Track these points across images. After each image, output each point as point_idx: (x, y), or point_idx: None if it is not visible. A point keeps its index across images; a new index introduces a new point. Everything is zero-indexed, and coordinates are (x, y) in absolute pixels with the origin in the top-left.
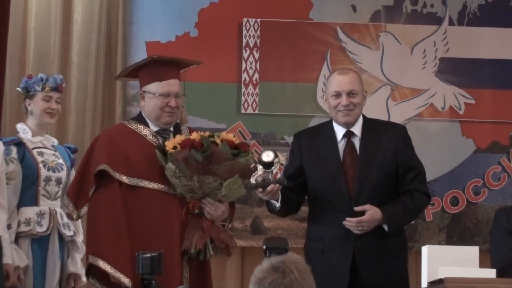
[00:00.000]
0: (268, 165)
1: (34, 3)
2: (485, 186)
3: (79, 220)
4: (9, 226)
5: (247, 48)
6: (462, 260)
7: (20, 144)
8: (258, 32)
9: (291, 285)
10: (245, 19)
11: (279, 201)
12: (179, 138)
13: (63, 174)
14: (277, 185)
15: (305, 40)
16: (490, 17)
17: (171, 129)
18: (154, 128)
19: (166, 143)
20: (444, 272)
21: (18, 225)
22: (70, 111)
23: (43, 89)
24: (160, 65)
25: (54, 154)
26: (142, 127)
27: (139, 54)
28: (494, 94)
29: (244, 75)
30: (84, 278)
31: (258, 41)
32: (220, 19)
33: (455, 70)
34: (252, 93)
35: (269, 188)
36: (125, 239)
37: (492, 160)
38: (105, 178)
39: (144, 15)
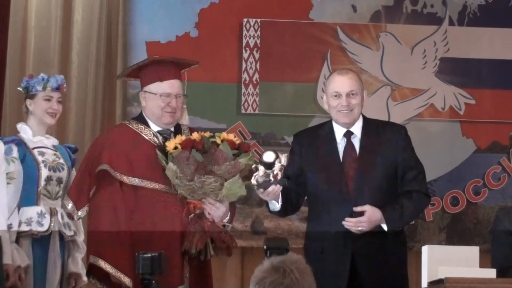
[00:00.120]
0: (269, 166)
1: (34, 3)
2: (485, 186)
3: (80, 220)
4: (10, 226)
5: (247, 48)
6: (462, 260)
7: (20, 144)
8: (258, 32)
9: (291, 285)
10: (245, 19)
11: (279, 201)
12: (179, 138)
13: (63, 174)
14: (278, 185)
15: (305, 40)
16: (490, 17)
17: (172, 129)
18: (155, 128)
19: (167, 143)
20: (444, 272)
21: (19, 224)
22: (70, 111)
23: (44, 89)
24: (161, 66)
25: (54, 154)
26: (143, 127)
27: (139, 54)
28: (494, 94)
29: (244, 75)
30: (85, 278)
31: (258, 41)
32: (220, 19)
33: (455, 70)
34: (252, 93)
35: (270, 189)
36: (126, 239)
37: (492, 160)
38: (106, 178)
39: (144, 15)
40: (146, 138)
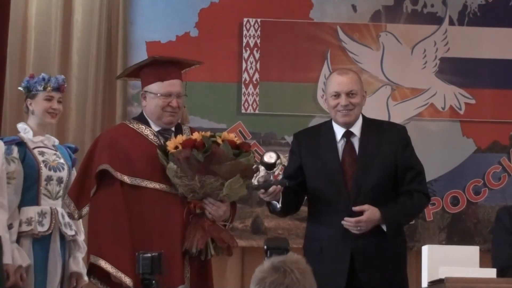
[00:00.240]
0: (270, 166)
1: (34, 3)
2: (486, 186)
3: (80, 219)
4: (10, 226)
5: (247, 48)
6: (462, 260)
7: (21, 144)
8: (259, 32)
9: (292, 285)
10: (245, 19)
11: (280, 201)
12: (180, 138)
13: (64, 174)
14: (279, 186)
15: (305, 40)
16: (490, 17)
17: (173, 129)
18: (156, 128)
19: (168, 143)
20: (444, 272)
21: (20, 224)
22: (71, 111)
23: (45, 89)
24: (161, 65)
25: (55, 154)
26: (144, 127)
27: (140, 54)
28: (495, 94)
29: (245, 75)
30: (85, 278)
31: (258, 41)
32: (221, 19)
33: (456, 70)
34: (252, 93)
35: (271, 189)
36: (127, 239)
37: (492, 160)
38: (107, 178)
39: (145, 15)
40: (147, 138)
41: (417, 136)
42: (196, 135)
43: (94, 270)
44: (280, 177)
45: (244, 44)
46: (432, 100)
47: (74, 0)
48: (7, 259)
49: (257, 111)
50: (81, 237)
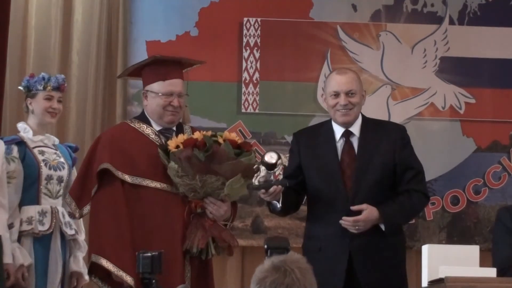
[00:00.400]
0: (271, 167)
1: (34, 3)
2: (486, 186)
3: (81, 219)
4: (11, 225)
5: (247, 47)
6: (462, 259)
7: (21, 143)
8: (259, 32)
9: (292, 285)
10: (245, 19)
11: (280, 201)
12: (181, 137)
13: (64, 173)
14: (279, 186)
15: (305, 39)
16: (490, 17)
17: (174, 128)
18: (157, 127)
19: (169, 142)
20: (444, 272)
21: (20, 224)
22: (71, 110)
23: (45, 88)
24: (163, 65)
25: (55, 153)
26: (145, 126)
27: (140, 54)
28: (495, 93)
29: (245, 74)
30: (86, 277)
31: (258, 41)
32: (221, 19)
33: (456, 69)
34: (253, 92)
35: (272, 189)
36: (128, 238)
37: (492, 160)
38: (108, 177)
39: (145, 14)
40: (148, 137)
41: (417, 135)
42: (197, 135)
43: (95, 269)
44: (280, 177)
45: (244, 43)
46: (432, 99)
47: (74, 0)
48: (7, 259)
49: (257, 111)
50: (82, 237)
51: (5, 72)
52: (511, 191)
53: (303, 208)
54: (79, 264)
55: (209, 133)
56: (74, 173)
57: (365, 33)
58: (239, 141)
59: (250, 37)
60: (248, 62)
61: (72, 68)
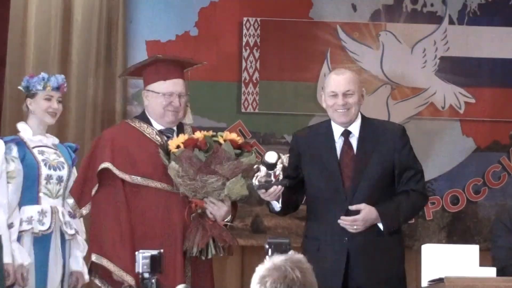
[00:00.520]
0: (271, 167)
1: (34, 2)
2: (485, 185)
3: (81, 218)
4: (11, 225)
5: (247, 47)
6: (462, 259)
7: (20, 143)
8: (258, 31)
9: (293, 284)
10: (245, 18)
11: (280, 201)
12: (182, 137)
13: (64, 173)
14: (279, 186)
15: (305, 39)
16: (490, 16)
17: (175, 128)
18: (158, 127)
19: (170, 142)
20: (444, 271)
21: (20, 223)
22: (70, 110)
23: (44, 88)
24: (164, 65)
25: (55, 153)
26: (146, 126)
27: (139, 53)
28: (494, 93)
29: (244, 74)
30: (86, 277)
31: (258, 40)
32: (220, 18)
33: (455, 69)
34: (252, 92)
35: (272, 189)
36: (128, 238)
37: (492, 159)
38: (108, 176)
39: (144, 14)
40: (149, 136)
41: (417, 135)
42: (198, 135)
43: (95, 269)
44: (280, 177)
45: (244, 43)
46: (432, 99)
47: (74, 0)
48: (7, 258)
49: (257, 110)
50: (82, 236)
51: (5, 72)
52: (511, 191)
53: (303, 207)
54: (79, 263)
55: (210, 133)
56: (74, 173)
57: (364, 33)
58: (240, 141)
59: (249, 37)
60: (248, 62)
61: (72, 68)
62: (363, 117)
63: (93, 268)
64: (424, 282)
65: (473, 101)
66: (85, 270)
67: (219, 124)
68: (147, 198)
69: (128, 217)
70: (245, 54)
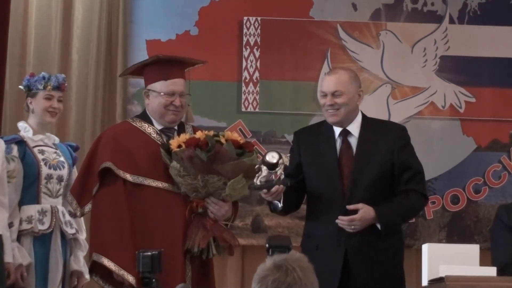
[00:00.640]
0: (272, 166)
1: (34, 2)
2: (486, 185)
3: (82, 218)
4: (11, 224)
5: (247, 47)
6: (462, 258)
7: (21, 143)
8: (259, 31)
9: (293, 283)
10: (245, 18)
11: (281, 201)
12: (184, 137)
13: (64, 172)
14: (281, 186)
15: (305, 38)
16: (490, 16)
17: (176, 127)
18: (159, 127)
19: (171, 141)
20: (444, 271)
21: (20, 223)
22: (71, 110)
23: (45, 87)
24: (165, 64)
25: (55, 152)
26: (147, 125)
27: (140, 53)
28: (495, 92)
29: (245, 74)
30: (87, 276)
31: (258, 40)
32: (221, 18)
33: (456, 68)
34: (253, 91)
35: (273, 189)
36: (129, 237)
37: (492, 159)
38: (109, 175)
39: (145, 13)
40: (150, 136)
41: (417, 134)
42: (199, 134)
43: (96, 268)
44: (282, 176)
45: (244, 42)
46: (432, 98)
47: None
48: (8, 258)
49: (257, 110)
50: (83, 236)
51: (5, 71)
52: (511, 190)
53: (303, 207)
54: (80, 263)
55: (211, 133)
56: (75, 172)
57: (365, 32)
58: (241, 141)
59: (250, 36)
60: (248, 61)
61: (72, 67)
62: (363, 117)
63: (94, 268)
64: (425, 281)
65: (473, 100)
66: (85, 270)
67: (220, 123)
68: (148, 198)
69: (129, 217)
70: (245, 53)
